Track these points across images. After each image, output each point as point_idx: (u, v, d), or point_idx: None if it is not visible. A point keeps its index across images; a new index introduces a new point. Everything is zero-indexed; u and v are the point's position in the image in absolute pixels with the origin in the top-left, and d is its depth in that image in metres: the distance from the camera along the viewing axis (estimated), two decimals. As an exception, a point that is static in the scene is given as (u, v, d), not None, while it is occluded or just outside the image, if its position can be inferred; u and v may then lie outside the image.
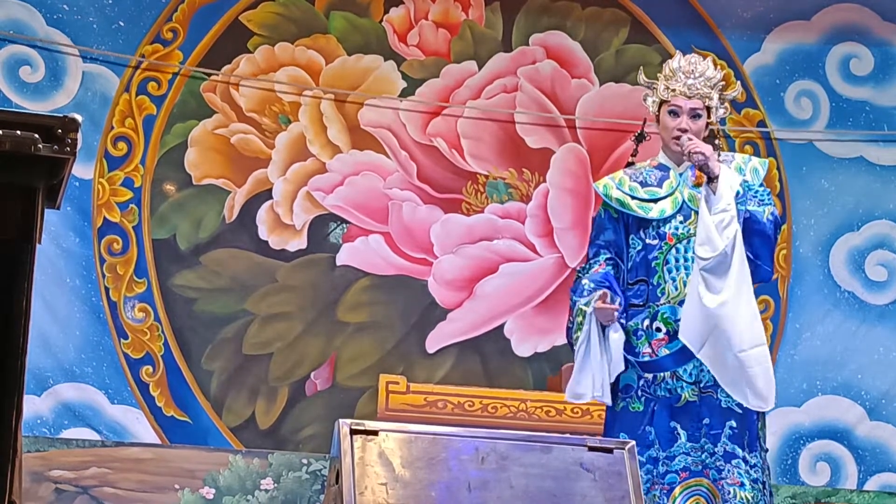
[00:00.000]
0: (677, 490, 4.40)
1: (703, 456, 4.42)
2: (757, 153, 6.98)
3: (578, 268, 4.75)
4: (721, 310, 4.33)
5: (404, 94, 6.83)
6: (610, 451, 3.62)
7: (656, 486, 4.41)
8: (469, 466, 3.51)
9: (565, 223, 6.87)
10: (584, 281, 4.56)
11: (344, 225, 6.75)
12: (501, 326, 6.79)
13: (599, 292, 4.45)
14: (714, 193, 4.40)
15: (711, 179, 4.42)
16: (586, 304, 4.46)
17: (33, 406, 6.22)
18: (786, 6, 7.00)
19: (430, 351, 6.73)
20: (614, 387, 4.50)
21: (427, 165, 6.84)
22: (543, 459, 3.56)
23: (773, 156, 6.98)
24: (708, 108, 4.59)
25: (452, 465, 3.50)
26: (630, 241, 4.58)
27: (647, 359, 4.46)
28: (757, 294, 4.49)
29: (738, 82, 5.01)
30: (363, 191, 6.77)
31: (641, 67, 4.86)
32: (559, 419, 6.54)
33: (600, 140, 6.93)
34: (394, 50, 6.85)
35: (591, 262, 4.63)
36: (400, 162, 6.81)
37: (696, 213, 4.49)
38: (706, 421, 4.44)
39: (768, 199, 4.57)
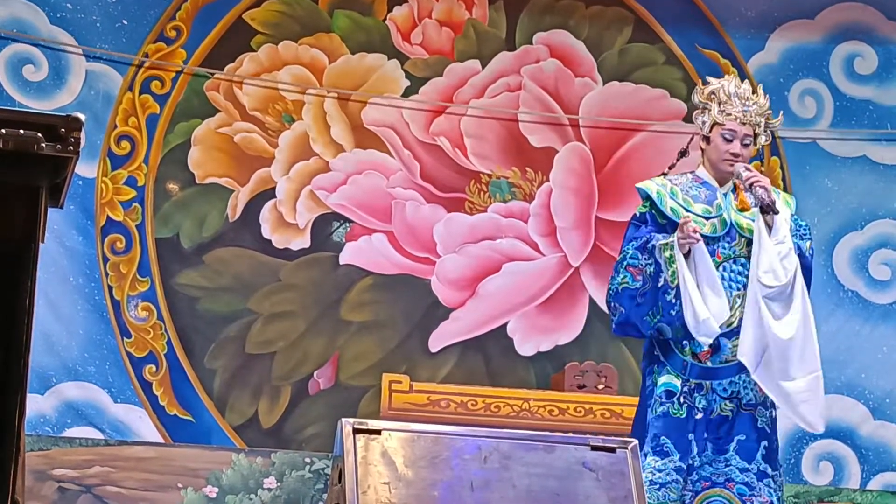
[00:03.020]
0: (699, 499, 4.46)
1: (729, 469, 4.47)
2: (760, 152, 6.97)
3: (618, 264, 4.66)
4: (791, 341, 4.44)
5: (408, 92, 6.83)
6: (613, 450, 3.61)
7: (686, 493, 4.46)
8: (472, 466, 3.51)
9: (568, 222, 6.86)
10: (650, 240, 4.54)
11: (347, 224, 6.75)
12: (504, 325, 6.79)
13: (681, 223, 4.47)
14: (772, 225, 4.48)
15: (767, 211, 4.48)
16: (667, 238, 4.47)
17: (36, 405, 6.22)
18: (790, 5, 7.00)
19: (433, 350, 6.73)
20: (653, 391, 4.53)
21: (430, 164, 6.84)
22: (546, 459, 3.56)
23: (776, 154, 6.98)
24: (755, 136, 4.66)
25: (455, 465, 3.50)
26: None
27: (697, 365, 4.50)
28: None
29: (782, 111, 5.03)
30: (366, 190, 6.77)
31: (697, 87, 4.80)
32: (562, 418, 6.53)
33: (604, 139, 6.93)
34: (397, 48, 6.85)
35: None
36: (403, 161, 6.80)
37: (742, 235, 4.55)
38: (741, 437, 4.51)
39: (809, 234, 4.69)
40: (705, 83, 4.75)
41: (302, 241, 6.70)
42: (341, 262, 6.73)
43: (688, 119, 5.93)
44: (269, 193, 6.70)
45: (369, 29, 6.85)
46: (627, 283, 4.56)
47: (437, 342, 6.74)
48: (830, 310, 6.87)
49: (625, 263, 4.57)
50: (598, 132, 6.92)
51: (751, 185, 4.51)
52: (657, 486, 4.41)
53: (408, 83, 6.84)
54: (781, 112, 5.01)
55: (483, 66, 6.90)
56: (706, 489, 4.47)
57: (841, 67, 7.01)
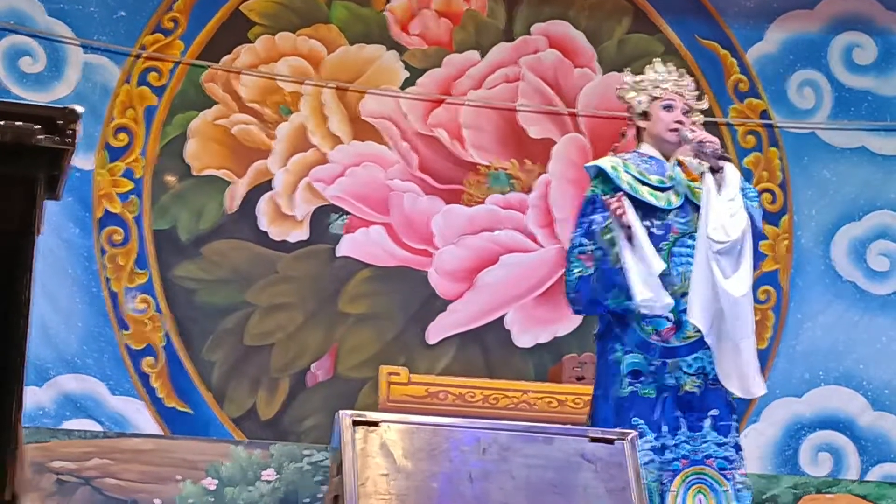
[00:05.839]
0: (680, 477, 4.46)
1: (706, 445, 4.48)
2: (759, 143, 6.98)
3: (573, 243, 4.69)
4: (744, 298, 4.42)
5: (406, 84, 6.82)
6: (611, 441, 3.62)
7: (663, 473, 4.46)
8: (470, 457, 3.51)
9: (566, 214, 6.85)
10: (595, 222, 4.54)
11: (345, 216, 6.74)
12: (502, 317, 6.78)
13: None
14: (721, 184, 4.47)
15: (719, 168, 4.47)
16: (605, 220, 4.47)
17: (35, 397, 6.21)
18: (789, -5, 7.00)
19: (431, 342, 6.73)
20: (618, 370, 4.53)
21: (428, 156, 6.83)
22: (545, 450, 3.56)
23: (775, 145, 6.97)
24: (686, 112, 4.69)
25: (454, 456, 3.50)
26: None
27: (659, 344, 4.49)
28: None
29: (705, 95, 5.05)
30: (364, 181, 6.76)
31: (624, 81, 4.78)
32: (560, 410, 6.53)
33: (602, 130, 6.92)
34: (395, 39, 6.84)
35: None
36: (401, 152, 6.80)
37: (696, 209, 4.53)
38: (714, 412, 4.52)
39: (756, 196, 4.69)
40: (626, 78, 4.75)
41: (300, 233, 6.70)
42: (339, 254, 6.72)
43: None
44: (267, 185, 6.69)
45: (367, 20, 6.84)
46: (582, 271, 4.57)
47: (435, 334, 6.73)
48: (828, 300, 6.87)
49: (575, 252, 4.60)
50: (597, 123, 6.91)
51: (700, 143, 4.51)
52: None
53: (406, 74, 6.83)
54: (705, 95, 5.01)
55: (482, 57, 6.89)
56: (685, 468, 4.47)
57: (840, 58, 7.01)
